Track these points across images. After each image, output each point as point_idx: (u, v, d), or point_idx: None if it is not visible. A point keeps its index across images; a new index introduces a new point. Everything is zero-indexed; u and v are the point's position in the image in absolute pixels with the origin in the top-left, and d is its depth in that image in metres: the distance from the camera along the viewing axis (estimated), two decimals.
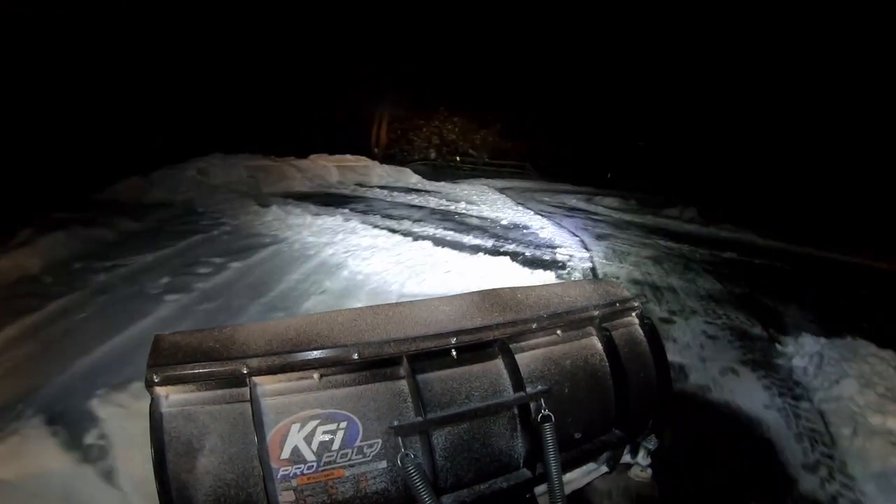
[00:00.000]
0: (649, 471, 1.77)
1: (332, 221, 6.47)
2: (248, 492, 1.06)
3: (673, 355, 3.16)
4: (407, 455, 1.16)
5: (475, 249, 6.03)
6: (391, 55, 21.02)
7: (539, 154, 25.74)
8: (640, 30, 23.99)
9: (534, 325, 1.47)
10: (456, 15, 22.47)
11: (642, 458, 1.75)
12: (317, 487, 1.11)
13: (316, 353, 1.17)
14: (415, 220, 7.68)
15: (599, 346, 1.61)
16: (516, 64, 24.07)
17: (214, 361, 1.10)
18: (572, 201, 14.54)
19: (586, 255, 6.68)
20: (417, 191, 12.20)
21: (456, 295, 1.62)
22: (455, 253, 5.45)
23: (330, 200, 8.80)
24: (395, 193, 10.82)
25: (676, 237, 9.11)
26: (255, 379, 1.12)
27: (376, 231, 6.19)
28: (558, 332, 1.54)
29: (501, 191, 14.76)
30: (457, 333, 1.33)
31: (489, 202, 11.37)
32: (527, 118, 25.45)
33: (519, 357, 1.42)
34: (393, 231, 6.42)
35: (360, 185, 12.11)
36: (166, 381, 1.06)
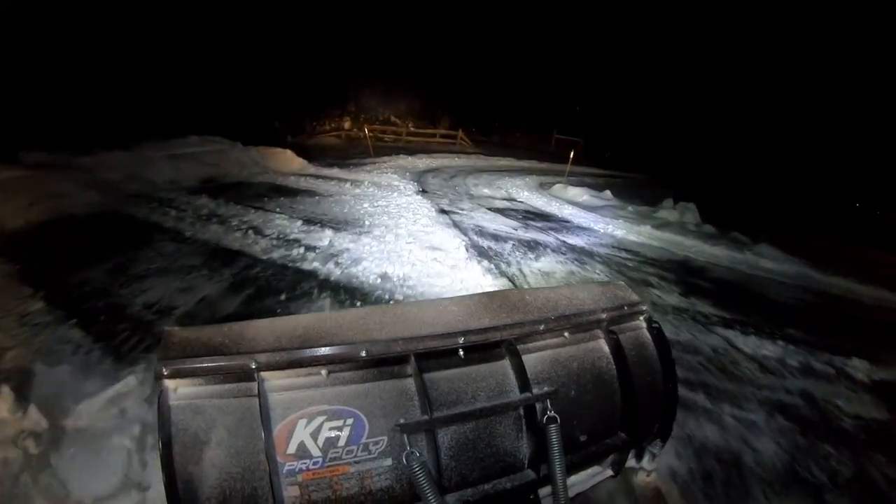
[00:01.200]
0: (654, 475, 1.76)
1: None
2: (254, 485, 1.07)
3: None
4: (412, 453, 1.16)
5: None
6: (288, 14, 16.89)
7: (474, 120, 22.69)
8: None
9: (541, 327, 1.46)
10: None
11: (647, 463, 1.74)
12: (322, 483, 1.12)
13: (324, 350, 1.17)
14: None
15: (606, 348, 1.60)
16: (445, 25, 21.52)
17: (223, 356, 1.11)
18: (523, 193, 10.79)
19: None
20: (279, 192, 8.01)
21: (464, 295, 1.62)
22: None
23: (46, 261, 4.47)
24: (228, 207, 6.64)
25: (724, 292, 5.59)
26: (263, 374, 1.13)
27: None
28: (566, 334, 1.53)
29: (421, 180, 10.85)
30: (464, 333, 1.33)
31: (389, 219, 6.77)
32: (458, 80, 22.53)
33: (526, 358, 1.41)
34: None
35: (209, 181, 8.48)
36: (175, 375, 1.07)
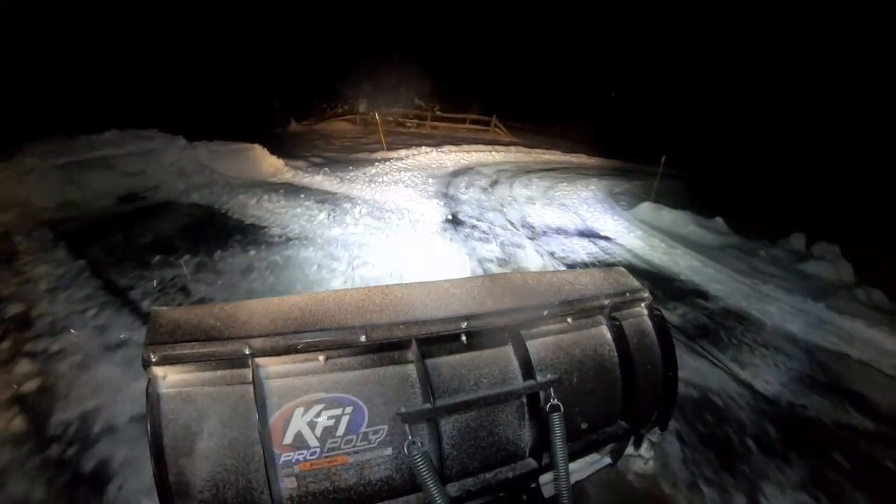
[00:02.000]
0: (651, 463, 1.76)
1: None
2: (249, 477, 1.02)
3: None
4: (414, 443, 1.12)
5: None
6: None
7: (505, 105, 20.01)
8: None
9: (545, 312, 1.43)
10: None
11: (645, 451, 1.73)
12: (319, 474, 1.07)
13: (322, 335, 1.12)
14: None
15: (609, 335, 1.58)
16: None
17: (215, 341, 1.05)
18: (602, 217, 7.88)
19: None
20: (203, 232, 5.09)
21: (466, 278, 1.57)
22: None
23: None
24: (66, 294, 3.65)
25: None
26: (258, 360, 1.07)
27: None
28: (569, 319, 1.50)
29: (450, 192, 7.99)
30: (468, 318, 1.29)
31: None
32: (488, 60, 20.25)
33: (529, 344, 1.38)
34: None
35: (126, 200, 6.18)
36: (164, 361, 1.01)
